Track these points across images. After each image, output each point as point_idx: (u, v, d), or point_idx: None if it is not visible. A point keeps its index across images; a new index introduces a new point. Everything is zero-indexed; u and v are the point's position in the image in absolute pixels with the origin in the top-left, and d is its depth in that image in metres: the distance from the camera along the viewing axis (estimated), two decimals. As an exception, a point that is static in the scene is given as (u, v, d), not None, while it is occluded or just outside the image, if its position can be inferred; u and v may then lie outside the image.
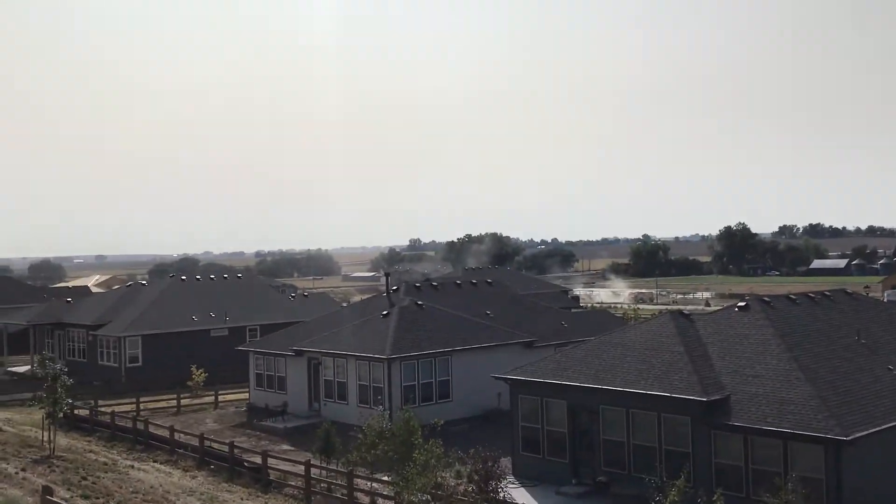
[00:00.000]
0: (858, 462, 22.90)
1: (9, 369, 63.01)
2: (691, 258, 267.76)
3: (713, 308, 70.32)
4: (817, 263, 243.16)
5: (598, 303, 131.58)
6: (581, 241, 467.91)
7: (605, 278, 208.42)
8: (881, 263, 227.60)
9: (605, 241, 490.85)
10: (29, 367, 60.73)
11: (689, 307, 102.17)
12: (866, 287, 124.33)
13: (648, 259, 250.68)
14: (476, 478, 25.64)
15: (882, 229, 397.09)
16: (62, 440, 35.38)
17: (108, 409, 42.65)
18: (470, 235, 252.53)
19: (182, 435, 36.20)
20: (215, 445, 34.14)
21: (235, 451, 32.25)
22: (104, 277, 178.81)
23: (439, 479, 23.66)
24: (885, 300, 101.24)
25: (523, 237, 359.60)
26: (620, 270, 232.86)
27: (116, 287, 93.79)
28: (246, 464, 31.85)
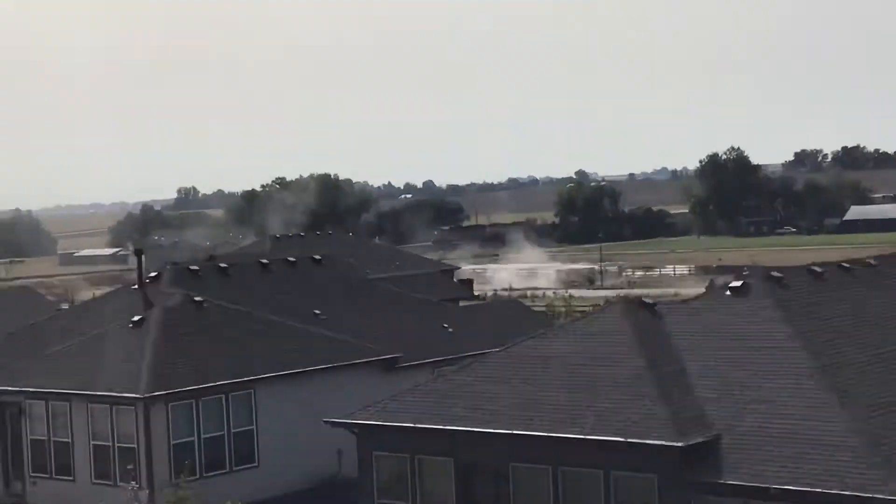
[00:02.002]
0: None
1: None
2: (656, 209, 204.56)
3: (693, 292, 54.62)
4: (856, 212, 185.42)
5: (504, 289, 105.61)
6: (472, 184, 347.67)
7: (503, 243, 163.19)
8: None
9: (513, 184, 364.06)
10: None
11: (654, 291, 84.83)
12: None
13: (587, 212, 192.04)
14: None
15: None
16: None
17: None
18: (283, 180, 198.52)
19: None
20: None
21: None
22: None
23: None
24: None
25: (375, 182, 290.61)
26: (543, 232, 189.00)
27: None
28: None
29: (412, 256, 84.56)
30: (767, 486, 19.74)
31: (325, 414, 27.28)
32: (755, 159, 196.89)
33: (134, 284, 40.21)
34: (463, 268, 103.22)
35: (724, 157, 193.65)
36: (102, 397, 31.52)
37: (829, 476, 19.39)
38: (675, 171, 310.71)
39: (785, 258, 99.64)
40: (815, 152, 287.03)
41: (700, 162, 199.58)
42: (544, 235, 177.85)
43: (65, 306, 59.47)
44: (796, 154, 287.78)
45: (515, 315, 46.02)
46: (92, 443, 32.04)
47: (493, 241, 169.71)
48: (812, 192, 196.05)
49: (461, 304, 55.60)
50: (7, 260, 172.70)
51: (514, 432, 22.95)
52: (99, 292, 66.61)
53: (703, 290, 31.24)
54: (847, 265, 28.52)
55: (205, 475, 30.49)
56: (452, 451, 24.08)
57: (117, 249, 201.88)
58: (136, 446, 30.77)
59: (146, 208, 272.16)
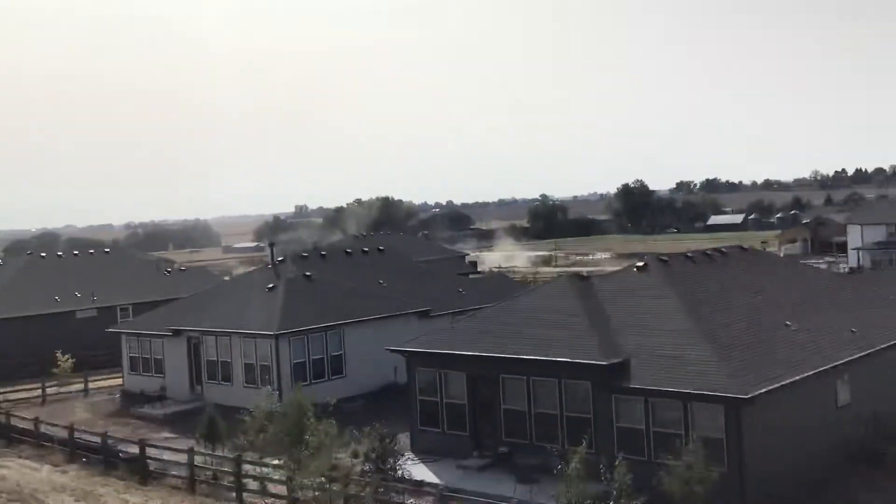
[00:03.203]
0: (758, 420, 23.75)
1: None
2: (590, 217, 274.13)
3: (612, 269, 72.00)
4: (715, 219, 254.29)
5: (497, 267, 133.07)
6: (476, 202, 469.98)
7: (494, 238, 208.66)
8: (777, 217, 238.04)
9: (502, 203, 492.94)
10: None
11: (587, 269, 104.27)
12: (763, 242, 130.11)
13: (547, 220, 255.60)
14: (373, 456, 25.86)
15: (778, 183, 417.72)
16: (-89, 439, 33.62)
17: (-38, 403, 40.78)
18: (360, 200, 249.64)
19: (49, 427, 35.10)
20: (87, 436, 33.23)
21: (109, 441, 31.53)
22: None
23: (334, 460, 23.65)
24: (782, 255, 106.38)
25: (416, 200, 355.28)
26: (519, 233, 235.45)
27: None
28: (122, 455, 31.19)
29: (439, 247, 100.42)
30: (657, 388, 24.37)
31: (387, 344, 33.45)
32: (651, 186, 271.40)
33: (269, 265, 47.73)
34: (470, 254, 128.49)
35: (632, 185, 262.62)
36: (251, 334, 38.52)
37: (696, 384, 23.89)
38: (602, 194, 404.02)
39: (670, 247, 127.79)
40: (689, 182, 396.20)
41: (617, 188, 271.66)
42: (521, 234, 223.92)
43: (227, 278, 67.72)
44: (677, 183, 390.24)
45: (503, 284, 53.40)
46: (244, 361, 38.91)
47: (489, 237, 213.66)
48: (687, 207, 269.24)
49: (470, 276, 64.80)
50: (190, 249, 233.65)
51: (504, 355, 27.92)
52: (247, 270, 71.56)
53: (619, 267, 36.40)
54: (708, 252, 33.42)
55: (313, 382, 36.60)
56: (464, 368, 29.04)
57: (258, 243, 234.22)
58: (270, 364, 37.63)
59: (276, 218, 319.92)
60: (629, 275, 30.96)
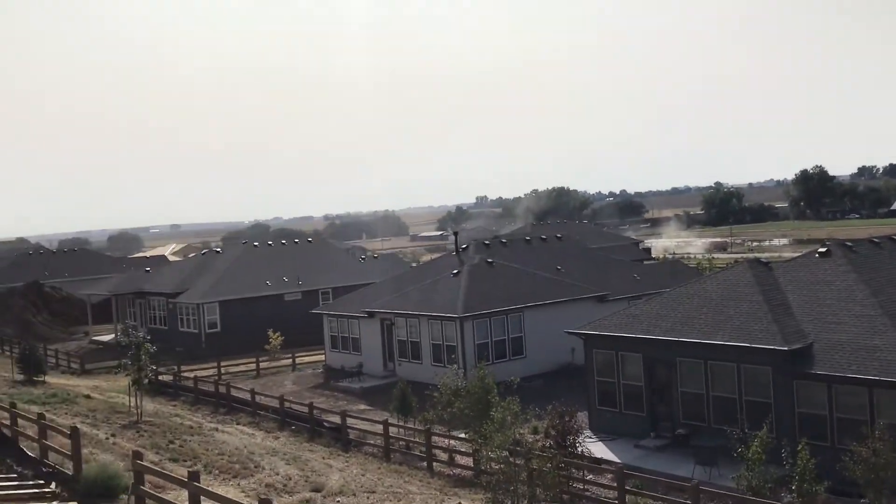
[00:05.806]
0: (949, 408, 22.23)
1: (94, 338, 65.15)
2: (766, 204, 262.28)
3: (792, 255, 67.68)
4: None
5: (671, 254, 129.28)
6: (650, 191, 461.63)
7: (663, 225, 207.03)
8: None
9: (675, 191, 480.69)
10: (113, 335, 62.98)
11: (765, 255, 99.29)
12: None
13: (721, 207, 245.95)
14: (553, 433, 25.77)
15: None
16: (149, 405, 36.41)
17: (191, 375, 43.81)
18: (536, 190, 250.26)
19: (263, 397, 37.14)
20: (295, 407, 35.03)
21: (315, 411, 33.06)
22: (179, 246, 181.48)
23: (517, 435, 23.73)
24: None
25: (591, 189, 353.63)
26: (693, 220, 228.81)
27: (192, 255, 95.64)
28: (326, 424, 32.62)
29: (611, 234, 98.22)
30: (842, 374, 23.34)
31: (565, 326, 33.67)
32: (831, 172, 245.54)
33: (453, 252, 49.35)
34: (644, 241, 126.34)
35: (811, 171, 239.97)
36: (437, 316, 39.49)
37: (883, 370, 22.78)
38: (778, 181, 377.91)
39: (852, 234, 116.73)
40: (872, 167, 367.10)
41: (795, 175, 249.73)
42: (695, 222, 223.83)
43: (414, 265, 69.26)
44: (859, 168, 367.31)
45: (677, 270, 52.20)
46: (431, 341, 39.87)
47: (663, 224, 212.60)
48: (870, 192, 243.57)
49: (644, 263, 66.04)
50: (381, 238, 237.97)
51: (680, 339, 27.54)
52: (433, 256, 76.24)
53: (799, 254, 34.23)
54: (894, 237, 31.04)
55: (495, 361, 36.57)
56: (641, 350, 28.89)
57: (443, 232, 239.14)
58: (455, 344, 38.37)
59: (458, 208, 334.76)
60: (811, 261, 29.44)
